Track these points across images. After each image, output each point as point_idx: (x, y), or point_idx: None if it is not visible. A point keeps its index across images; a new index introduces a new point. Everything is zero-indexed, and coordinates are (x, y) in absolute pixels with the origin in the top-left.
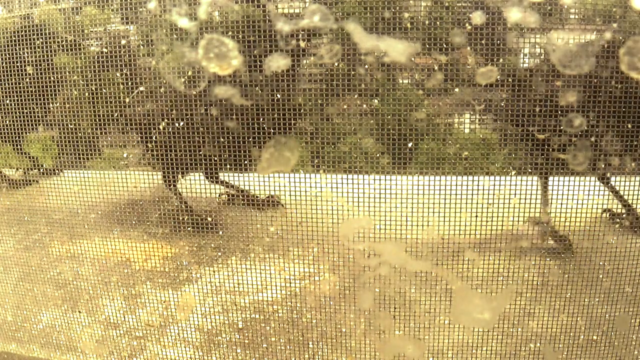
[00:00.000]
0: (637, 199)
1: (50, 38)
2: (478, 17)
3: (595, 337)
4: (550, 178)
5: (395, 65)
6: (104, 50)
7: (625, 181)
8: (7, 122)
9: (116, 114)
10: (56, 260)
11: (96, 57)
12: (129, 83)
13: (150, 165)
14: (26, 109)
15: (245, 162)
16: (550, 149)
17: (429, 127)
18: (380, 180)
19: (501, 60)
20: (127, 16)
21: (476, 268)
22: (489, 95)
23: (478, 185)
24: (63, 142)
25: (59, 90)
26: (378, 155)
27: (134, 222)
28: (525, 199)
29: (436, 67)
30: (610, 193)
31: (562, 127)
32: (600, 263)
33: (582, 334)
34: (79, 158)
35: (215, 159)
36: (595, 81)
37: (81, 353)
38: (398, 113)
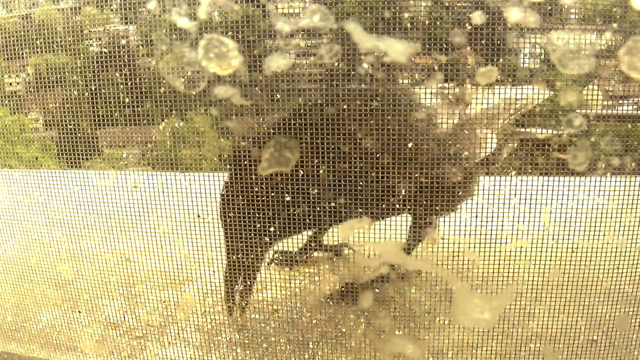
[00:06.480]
0: None
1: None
2: (478, 17)
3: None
4: None
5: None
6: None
7: None
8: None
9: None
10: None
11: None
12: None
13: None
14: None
15: None
16: None
17: None
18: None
19: (501, 60)
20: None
21: None
22: None
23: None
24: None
25: None
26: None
27: None
28: None
29: (436, 67)
30: None
31: None
32: None
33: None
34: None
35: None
36: None
37: (80, 353)
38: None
